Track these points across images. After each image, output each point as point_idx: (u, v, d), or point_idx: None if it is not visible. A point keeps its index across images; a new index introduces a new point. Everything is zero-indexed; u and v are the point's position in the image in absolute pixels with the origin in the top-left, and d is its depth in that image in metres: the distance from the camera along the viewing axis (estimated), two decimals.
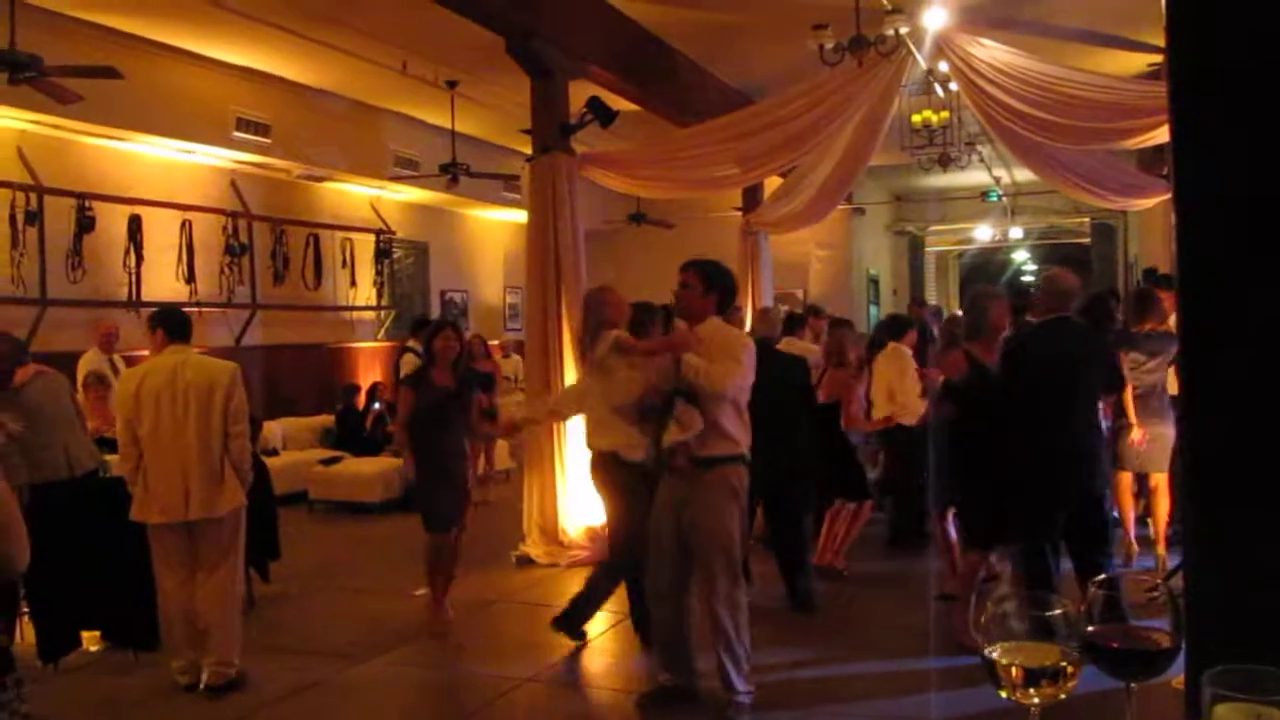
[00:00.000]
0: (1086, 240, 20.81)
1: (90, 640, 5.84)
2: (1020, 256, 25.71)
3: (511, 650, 5.85)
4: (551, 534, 7.83)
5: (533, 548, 7.87)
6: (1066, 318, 5.32)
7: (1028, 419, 5.03)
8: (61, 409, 5.97)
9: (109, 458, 6.67)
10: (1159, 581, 1.32)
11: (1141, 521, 7.29)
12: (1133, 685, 1.24)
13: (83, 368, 8.24)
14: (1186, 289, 1.87)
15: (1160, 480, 6.70)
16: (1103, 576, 1.29)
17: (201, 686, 5.20)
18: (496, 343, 14.27)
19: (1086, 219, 18.87)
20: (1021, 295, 9.90)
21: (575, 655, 5.85)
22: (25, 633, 5.62)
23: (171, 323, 5.48)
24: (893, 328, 7.86)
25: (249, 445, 5.48)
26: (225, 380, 5.29)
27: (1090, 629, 1.23)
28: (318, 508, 10.45)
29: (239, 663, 5.32)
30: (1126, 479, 6.94)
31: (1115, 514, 7.34)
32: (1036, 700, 1.20)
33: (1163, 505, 6.71)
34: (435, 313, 14.40)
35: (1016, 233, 20.81)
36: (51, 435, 5.81)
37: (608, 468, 5.49)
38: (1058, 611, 1.20)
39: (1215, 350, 1.80)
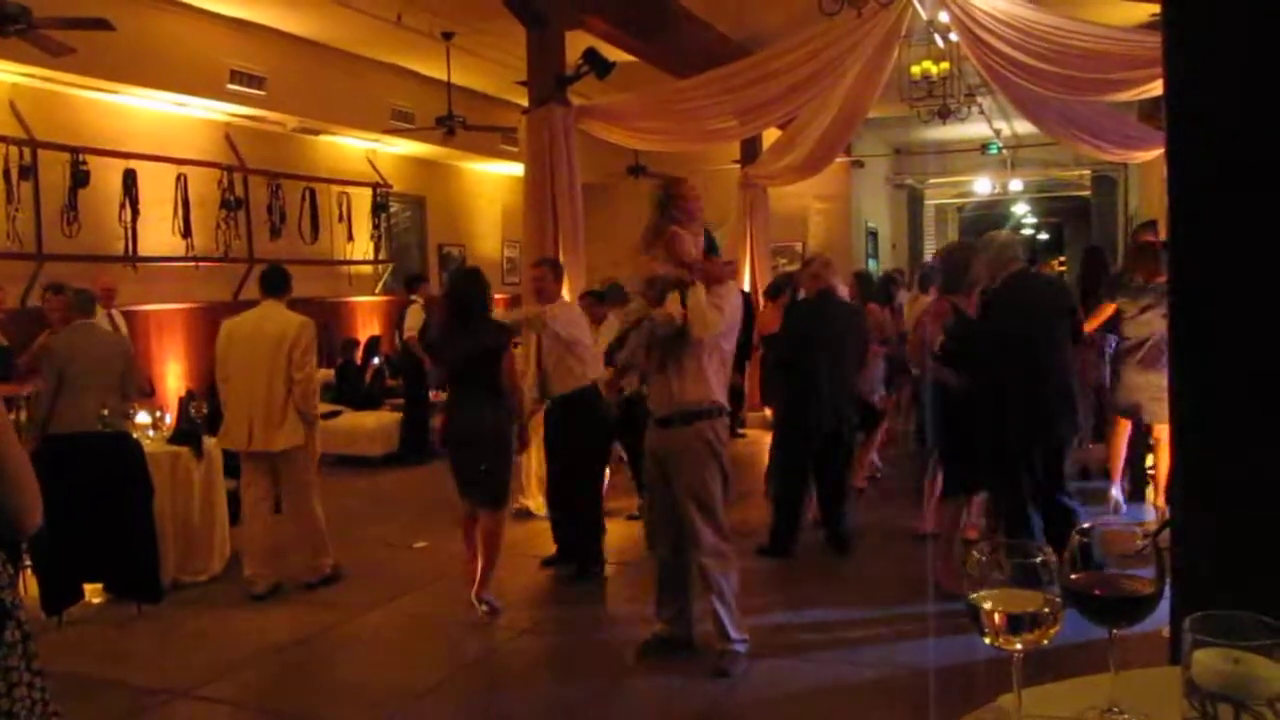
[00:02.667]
0: (1087, 193, 20.74)
1: (93, 592, 5.90)
2: (1020, 209, 25.60)
3: (510, 601, 5.91)
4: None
5: (531, 500, 7.92)
6: (1027, 271, 5.52)
7: (1001, 367, 5.17)
8: (94, 365, 6.10)
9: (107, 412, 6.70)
10: (1145, 533, 1.34)
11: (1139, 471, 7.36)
12: (1114, 632, 1.26)
13: None
14: (1177, 238, 1.88)
15: (1164, 431, 6.68)
16: (1085, 525, 1.30)
17: (307, 584, 6.19)
18: (502, 297, 14.24)
19: (1087, 171, 18.79)
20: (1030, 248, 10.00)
21: (574, 605, 5.92)
22: (28, 585, 5.67)
23: (266, 279, 6.30)
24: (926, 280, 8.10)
25: (313, 390, 6.18)
26: (293, 331, 6.03)
27: (1073, 576, 1.25)
28: None
29: (331, 562, 6.30)
30: (1124, 427, 6.92)
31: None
32: (1019, 646, 1.21)
33: (1165, 457, 6.69)
34: (434, 267, 14.38)
35: (1016, 185, 20.72)
36: (78, 387, 5.99)
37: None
38: (1040, 559, 1.21)
39: (1206, 301, 1.81)
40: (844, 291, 7.50)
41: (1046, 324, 5.32)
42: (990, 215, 24.40)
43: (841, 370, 6.53)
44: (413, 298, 10.95)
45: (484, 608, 5.63)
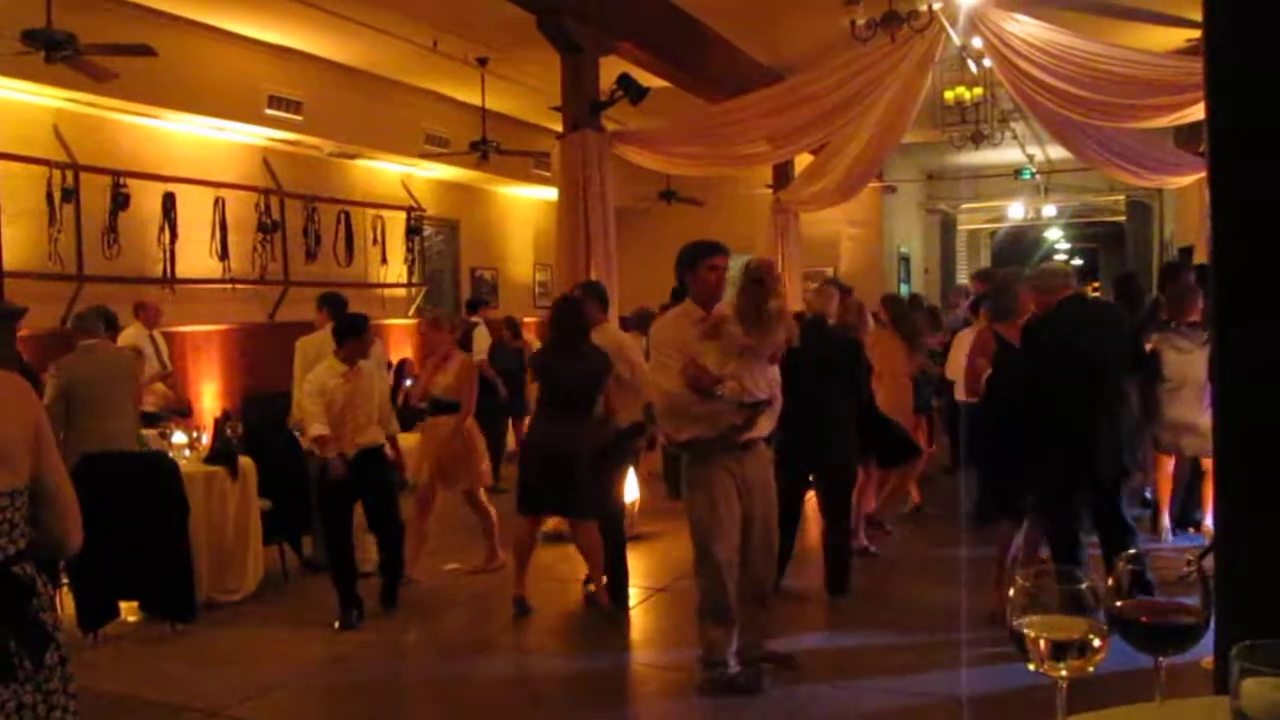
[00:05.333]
0: (1121, 219, 20.59)
1: (128, 610, 5.94)
2: (1054, 235, 25.44)
3: (540, 625, 5.91)
4: None
5: (562, 524, 7.91)
6: (1079, 296, 5.40)
7: (1047, 398, 5.10)
8: (100, 386, 6.17)
9: (146, 432, 6.77)
10: (1191, 559, 1.32)
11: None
12: (1161, 660, 1.25)
13: (122, 342, 8.33)
14: (1220, 271, 1.87)
15: (1209, 463, 6.63)
16: (1131, 552, 1.29)
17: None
18: (531, 320, 14.29)
19: (1121, 197, 18.66)
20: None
21: (603, 630, 5.89)
22: (65, 603, 5.73)
23: (337, 304, 7.36)
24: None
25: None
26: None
27: (1118, 603, 1.24)
28: None
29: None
30: (1167, 462, 6.88)
31: (1149, 494, 7.34)
32: (1064, 673, 1.20)
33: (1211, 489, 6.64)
34: (466, 290, 14.47)
35: (1050, 211, 20.59)
36: (89, 409, 6.04)
37: None
38: (1085, 585, 1.21)
39: (1246, 329, 1.79)
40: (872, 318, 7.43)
41: (1096, 352, 5.19)
42: (1023, 241, 24.29)
43: (820, 400, 5.97)
44: (474, 319, 10.86)
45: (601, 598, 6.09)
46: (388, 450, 6.37)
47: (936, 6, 7.87)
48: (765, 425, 4.67)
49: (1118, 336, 5.49)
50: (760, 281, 4.62)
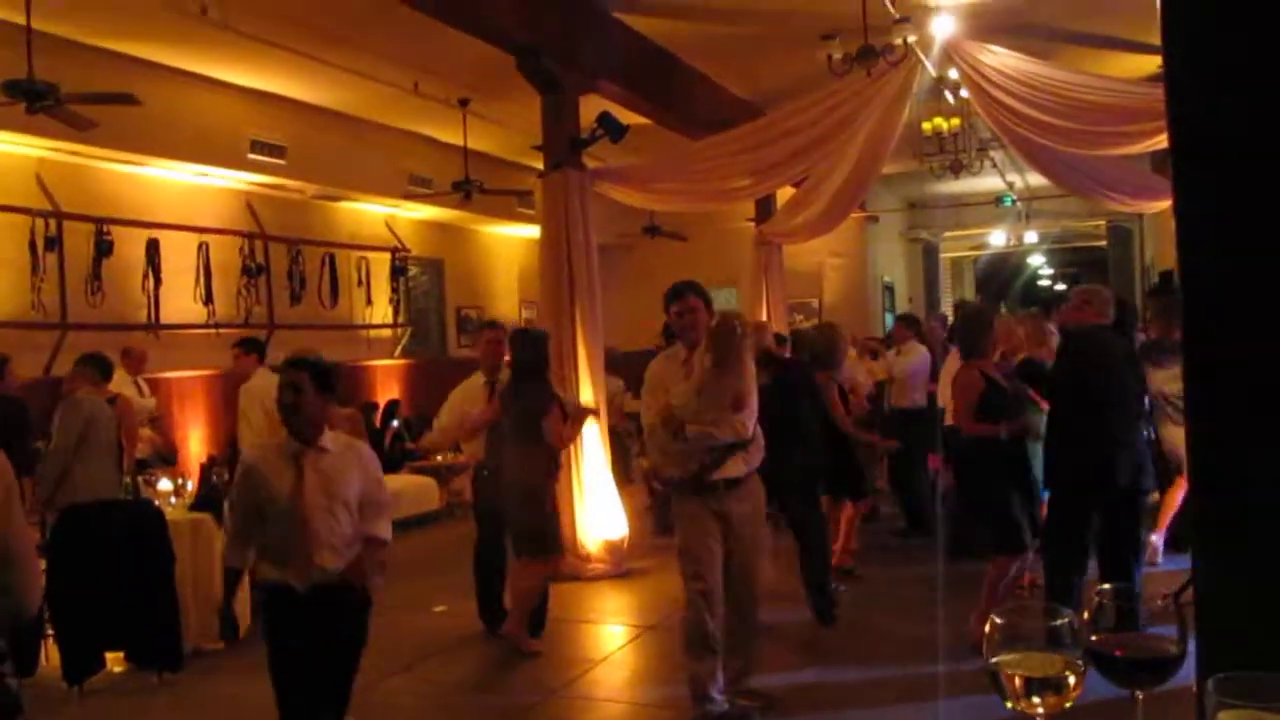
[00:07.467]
0: (1103, 244, 20.72)
1: (114, 661, 5.88)
2: (1036, 261, 25.59)
3: (535, 663, 5.87)
4: (571, 547, 7.83)
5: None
6: (1104, 325, 5.54)
7: (1076, 420, 5.29)
8: (75, 435, 6.23)
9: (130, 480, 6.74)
10: (1169, 595, 1.33)
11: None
12: (1138, 693, 1.25)
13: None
14: (1189, 294, 1.88)
15: None
16: (1107, 586, 1.30)
17: None
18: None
19: (1102, 222, 18.79)
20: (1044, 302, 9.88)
21: (596, 669, 5.86)
22: (50, 654, 5.67)
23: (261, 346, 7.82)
24: None
25: None
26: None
27: (1094, 637, 1.24)
28: None
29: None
30: (1182, 482, 6.78)
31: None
32: (1040, 710, 1.20)
33: None
34: (452, 329, 14.48)
35: (1031, 237, 20.72)
36: (70, 459, 6.08)
37: None
38: (1063, 621, 1.20)
39: (1214, 352, 1.81)
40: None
41: (1117, 374, 5.42)
42: (1005, 267, 24.42)
43: (784, 429, 5.81)
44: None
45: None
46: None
47: (911, 40, 7.96)
48: (735, 466, 4.69)
49: (1135, 364, 5.75)
50: (731, 332, 4.73)
